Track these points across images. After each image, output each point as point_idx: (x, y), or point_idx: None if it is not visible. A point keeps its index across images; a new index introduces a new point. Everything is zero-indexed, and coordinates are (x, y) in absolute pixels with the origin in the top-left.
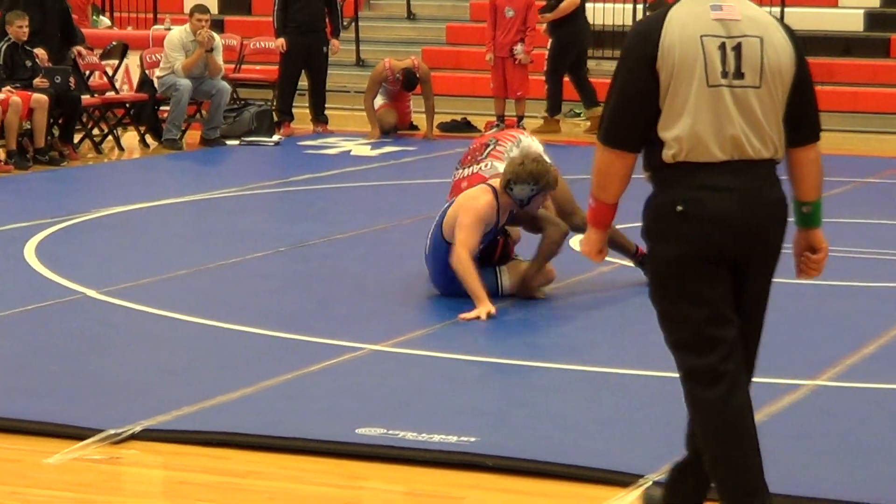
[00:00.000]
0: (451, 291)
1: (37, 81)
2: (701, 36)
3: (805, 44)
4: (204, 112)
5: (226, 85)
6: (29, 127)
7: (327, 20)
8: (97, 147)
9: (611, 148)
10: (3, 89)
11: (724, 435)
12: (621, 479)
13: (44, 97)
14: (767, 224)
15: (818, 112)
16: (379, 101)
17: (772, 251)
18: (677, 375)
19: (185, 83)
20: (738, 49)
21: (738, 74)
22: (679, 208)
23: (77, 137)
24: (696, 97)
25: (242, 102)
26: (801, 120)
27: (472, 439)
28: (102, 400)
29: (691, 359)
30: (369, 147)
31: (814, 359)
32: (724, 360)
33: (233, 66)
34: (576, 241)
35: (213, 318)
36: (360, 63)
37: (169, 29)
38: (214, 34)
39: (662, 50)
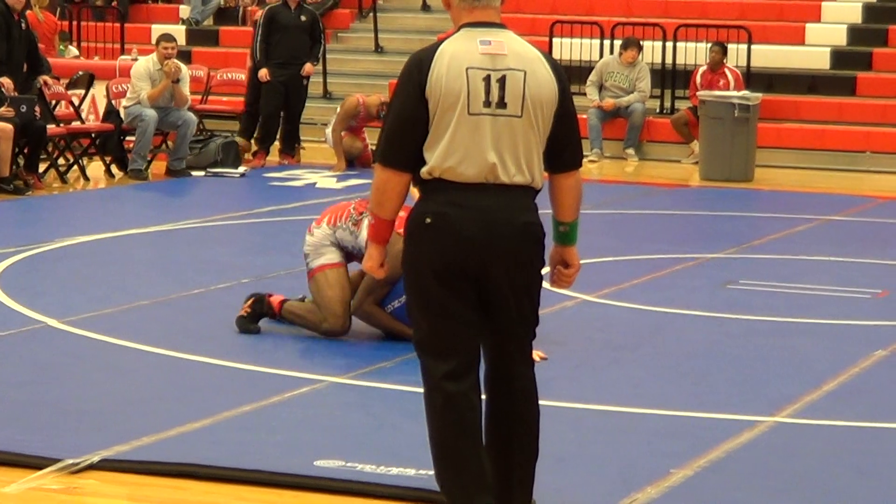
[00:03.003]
0: None
1: (2, 111)
2: (467, 68)
3: (771, 81)
4: (170, 143)
5: (192, 116)
6: None
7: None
8: (62, 177)
9: (386, 167)
10: None
11: (448, 436)
12: None
13: (9, 126)
14: (510, 244)
15: (580, 142)
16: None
17: (516, 268)
18: (635, 411)
19: (151, 113)
20: (502, 81)
21: (501, 104)
22: (427, 220)
23: (42, 167)
24: (457, 123)
25: (209, 133)
26: (563, 149)
27: (431, 473)
28: (61, 429)
29: (428, 359)
30: (335, 179)
31: (773, 396)
32: (456, 366)
33: (199, 97)
34: None
35: (174, 349)
36: (327, 95)
37: (136, 59)
38: (181, 64)
39: (431, 80)
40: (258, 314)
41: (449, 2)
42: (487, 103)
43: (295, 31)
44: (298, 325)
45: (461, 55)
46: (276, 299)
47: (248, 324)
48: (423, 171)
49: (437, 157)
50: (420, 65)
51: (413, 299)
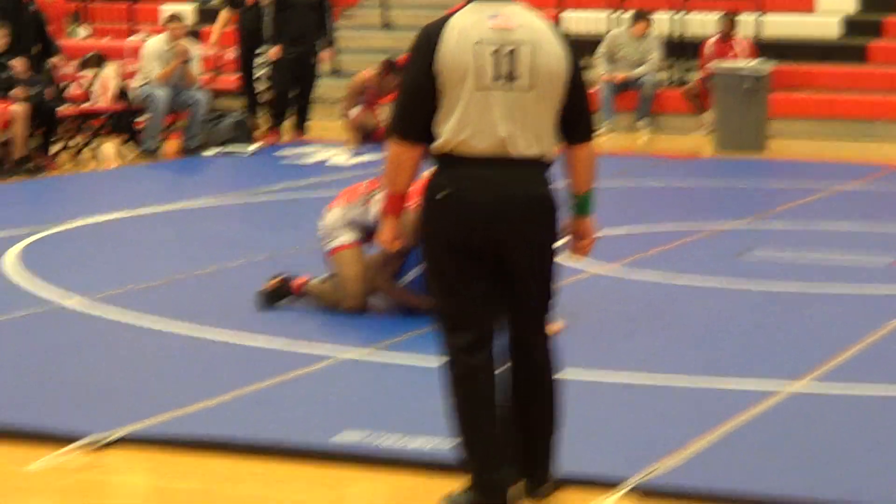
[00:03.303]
0: None
1: (14, 92)
2: (475, 43)
3: (782, 50)
4: (183, 122)
5: (203, 95)
6: (7, 138)
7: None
8: (75, 157)
9: (398, 140)
10: None
11: (467, 407)
12: (603, 484)
13: (22, 108)
14: (523, 217)
15: (591, 115)
16: (354, 109)
17: (530, 241)
18: (652, 383)
19: (162, 93)
20: (511, 55)
21: (511, 78)
22: (441, 195)
23: (55, 148)
24: (466, 98)
25: (219, 112)
26: (575, 121)
27: (452, 444)
28: (82, 406)
29: (445, 332)
30: (347, 156)
31: (789, 365)
32: (474, 339)
33: (209, 76)
34: None
35: (192, 326)
36: (336, 72)
37: (146, 39)
38: (191, 44)
39: (440, 54)
40: (281, 294)
41: None
42: (497, 77)
43: (303, 9)
44: (319, 304)
45: (469, 29)
46: (298, 282)
47: (267, 301)
48: (435, 145)
49: (449, 132)
50: (429, 39)
51: (430, 273)
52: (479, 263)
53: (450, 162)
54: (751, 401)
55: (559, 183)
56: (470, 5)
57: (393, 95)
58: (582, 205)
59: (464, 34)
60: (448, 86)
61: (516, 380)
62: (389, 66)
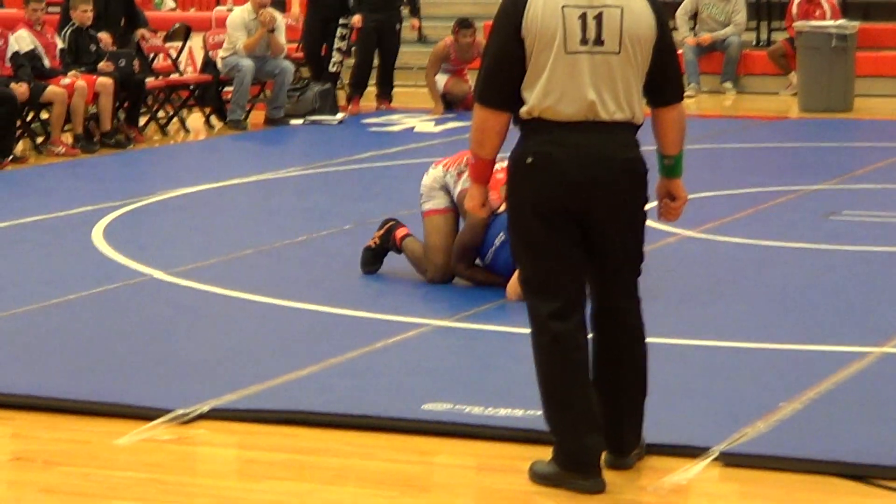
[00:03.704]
0: None
1: (101, 65)
2: (563, 7)
3: (868, 9)
4: (267, 92)
5: (289, 64)
6: (95, 111)
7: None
8: (163, 129)
9: (485, 107)
10: (69, 74)
11: (555, 375)
12: (689, 452)
13: (109, 81)
14: (612, 181)
15: (680, 76)
16: (443, 77)
17: (620, 206)
18: (741, 346)
19: (248, 63)
20: (598, 18)
21: (598, 42)
22: (528, 160)
23: (142, 120)
24: (554, 62)
25: (305, 81)
26: (663, 83)
27: (539, 413)
28: (171, 380)
29: (534, 299)
30: (433, 123)
31: (880, 326)
32: (562, 306)
33: (296, 45)
34: None
35: (279, 297)
36: (422, 39)
37: (231, 10)
38: (276, 13)
39: (527, 19)
40: (384, 248)
41: None
42: (584, 41)
43: None
44: (411, 263)
45: None
46: (400, 233)
47: (371, 261)
48: (523, 111)
49: (536, 97)
50: (516, 4)
51: (517, 239)
52: (567, 229)
53: (537, 127)
54: (841, 363)
55: (649, 145)
56: None
57: (479, 61)
58: (672, 167)
59: None
60: (535, 51)
61: (604, 347)
62: (460, 24)
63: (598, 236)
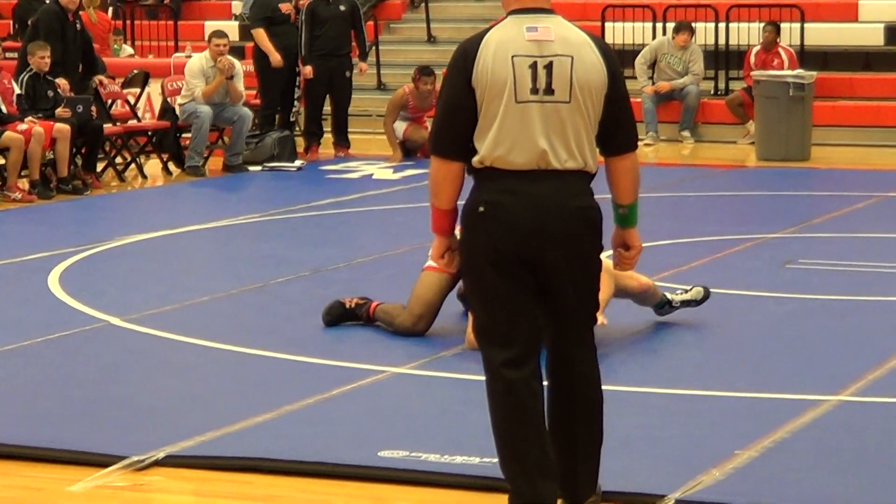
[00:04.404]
0: None
1: (59, 111)
2: (513, 56)
3: (825, 59)
4: (226, 138)
5: (247, 111)
6: (52, 157)
7: (353, 44)
8: (120, 175)
9: (438, 157)
10: (26, 119)
11: (510, 423)
12: (644, 500)
13: (66, 127)
14: (565, 229)
15: (633, 125)
16: (402, 124)
17: (573, 254)
18: (698, 393)
19: (206, 110)
20: (549, 68)
21: (549, 91)
22: (481, 210)
23: (100, 166)
24: (505, 112)
25: (264, 128)
26: (615, 132)
27: (495, 461)
28: (126, 427)
29: (488, 348)
30: (391, 170)
31: (836, 374)
32: (517, 354)
33: (254, 92)
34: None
35: (236, 343)
36: (381, 87)
37: (189, 56)
38: (235, 60)
39: (477, 69)
40: (354, 314)
41: None
42: (535, 90)
43: (336, 22)
44: (384, 326)
45: (507, 43)
46: (374, 306)
47: (337, 316)
48: (475, 160)
49: (488, 146)
50: (466, 54)
51: (471, 288)
52: (521, 277)
53: (489, 176)
54: (797, 411)
55: (605, 194)
56: (508, 19)
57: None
58: (626, 216)
59: (501, 48)
60: (486, 100)
61: (559, 395)
62: (422, 71)
63: (551, 285)
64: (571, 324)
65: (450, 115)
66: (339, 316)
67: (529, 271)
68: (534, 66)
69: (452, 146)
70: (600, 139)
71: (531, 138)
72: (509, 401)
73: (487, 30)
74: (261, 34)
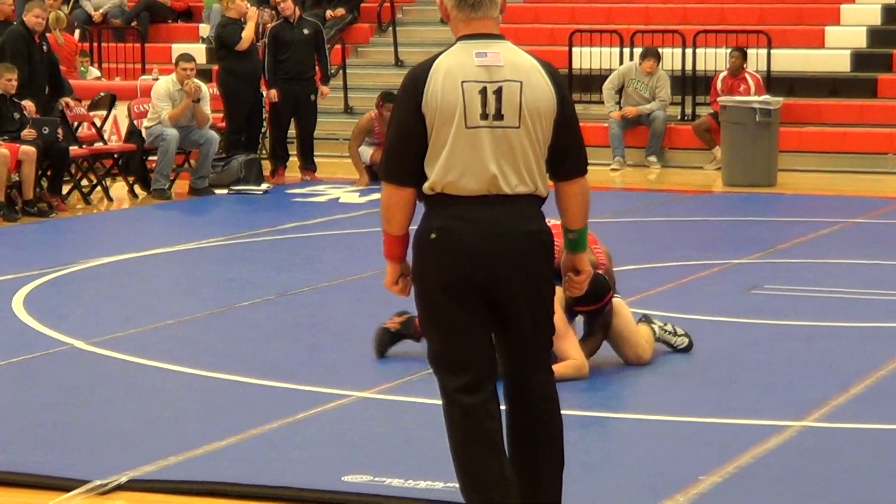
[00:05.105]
0: None
1: (25, 133)
2: (462, 82)
3: (792, 85)
4: (192, 161)
5: (214, 134)
6: (17, 179)
7: (316, 67)
8: (86, 198)
9: (389, 182)
10: None
11: (468, 447)
12: None
13: (32, 149)
14: (517, 253)
15: (582, 149)
16: (368, 149)
17: (525, 278)
18: (663, 418)
19: (173, 133)
20: (498, 93)
21: (498, 116)
22: (432, 236)
23: (66, 189)
24: (455, 137)
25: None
26: (565, 157)
27: (458, 485)
28: (89, 451)
29: (442, 374)
30: (358, 194)
31: (800, 400)
32: (471, 380)
33: (221, 115)
34: None
35: (200, 367)
36: (348, 110)
37: (157, 79)
38: (201, 84)
39: (427, 95)
40: (403, 334)
41: (448, 14)
42: (484, 116)
43: (300, 46)
44: None
45: (456, 69)
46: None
47: (385, 342)
48: (426, 186)
49: (438, 172)
50: (416, 80)
51: (424, 315)
52: (474, 303)
53: (441, 202)
54: (761, 437)
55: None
56: (458, 45)
57: None
58: (575, 241)
59: (450, 74)
60: (436, 126)
61: (517, 419)
62: (384, 97)
63: (505, 309)
64: (527, 348)
65: (400, 140)
66: (389, 343)
67: (483, 297)
68: (483, 92)
69: (403, 172)
70: (550, 164)
71: (481, 163)
72: (466, 425)
73: (438, 55)
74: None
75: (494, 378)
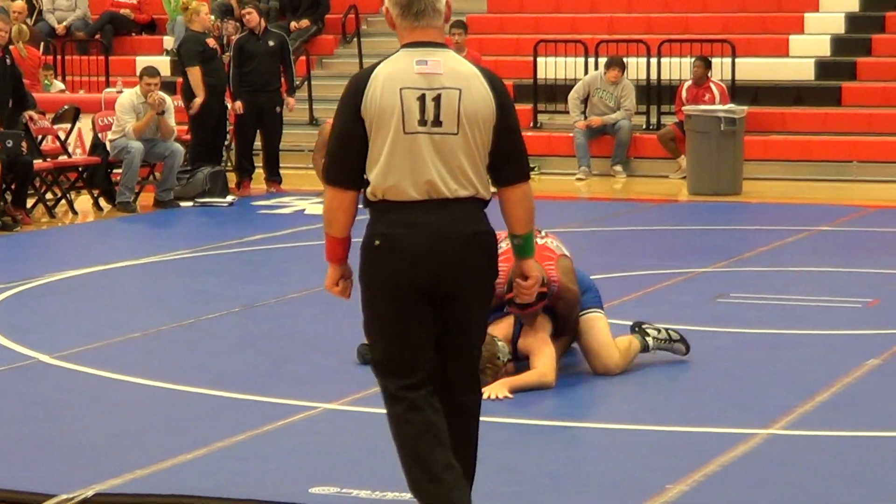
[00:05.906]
0: None
1: None
2: (401, 88)
3: (756, 94)
4: (157, 174)
5: (179, 147)
6: None
7: (282, 79)
8: (50, 211)
9: (330, 186)
10: None
11: (417, 437)
12: None
13: None
14: (460, 255)
15: (524, 155)
16: None
17: (468, 280)
18: (629, 427)
19: (137, 146)
20: (437, 100)
21: (437, 123)
22: (376, 243)
23: (30, 202)
24: (393, 143)
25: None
26: (505, 163)
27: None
28: (55, 465)
29: (384, 379)
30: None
31: (766, 408)
32: (413, 383)
33: (185, 127)
34: None
35: (166, 380)
36: (313, 122)
37: (121, 92)
38: (165, 96)
39: (366, 100)
40: None
41: (393, 23)
42: (423, 122)
43: (265, 58)
44: None
45: (396, 75)
46: None
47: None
48: (368, 192)
49: (378, 177)
50: (357, 85)
51: (368, 320)
52: (420, 309)
53: (383, 208)
54: (728, 445)
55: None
56: (400, 52)
57: None
58: (522, 247)
59: (390, 80)
60: (374, 130)
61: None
62: None
63: (447, 313)
64: (464, 353)
65: (341, 144)
66: (366, 357)
67: (428, 301)
68: (422, 99)
69: (344, 175)
70: (491, 170)
71: (421, 169)
72: (414, 417)
73: (379, 62)
74: (196, 73)
75: (435, 378)
